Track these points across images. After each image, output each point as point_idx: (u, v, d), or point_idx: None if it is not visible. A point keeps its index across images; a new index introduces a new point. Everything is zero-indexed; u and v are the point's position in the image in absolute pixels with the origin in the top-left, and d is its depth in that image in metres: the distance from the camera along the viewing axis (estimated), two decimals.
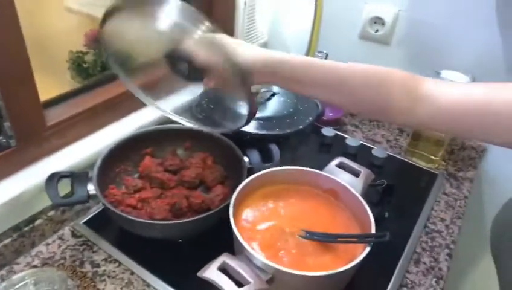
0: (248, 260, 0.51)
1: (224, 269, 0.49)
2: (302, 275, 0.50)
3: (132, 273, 0.63)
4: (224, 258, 0.50)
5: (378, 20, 0.98)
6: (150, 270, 0.63)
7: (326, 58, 1.03)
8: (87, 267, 0.64)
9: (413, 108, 0.49)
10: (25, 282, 0.56)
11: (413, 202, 0.84)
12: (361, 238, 0.56)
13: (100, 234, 0.69)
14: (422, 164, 0.93)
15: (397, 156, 0.96)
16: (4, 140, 0.64)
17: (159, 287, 0.61)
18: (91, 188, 0.63)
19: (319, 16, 0.99)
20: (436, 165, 0.93)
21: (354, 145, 0.94)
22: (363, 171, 0.68)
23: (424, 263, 0.71)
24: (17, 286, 0.55)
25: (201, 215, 0.58)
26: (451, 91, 0.48)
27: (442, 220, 0.81)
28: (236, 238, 0.52)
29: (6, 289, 0.55)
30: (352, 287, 0.60)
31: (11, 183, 0.63)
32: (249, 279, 0.48)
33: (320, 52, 0.98)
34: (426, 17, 0.93)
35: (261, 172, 0.64)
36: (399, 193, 0.84)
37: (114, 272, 0.64)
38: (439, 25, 0.93)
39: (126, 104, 0.78)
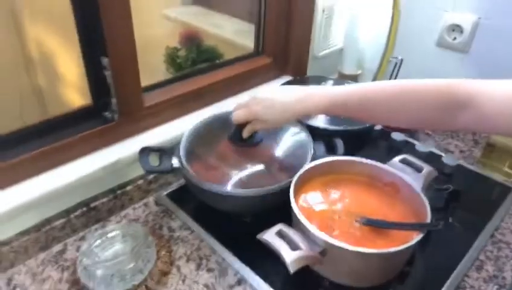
0: (303, 232, 0.56)
1: (281, 235, 0.55)
2: (352, 251, 0.53)
3: (202, 240, 0.72)
4: (281, 227, 0.56)
5: (456, 28, 0.98)
6: (217, 239, 0.71)
7: (400, 64, 1.04)
8: (165, 231, 0.74)
9: (456, 117, 0.52)
10: (115, 233, 0.67)
11: (481, 211, 0.82)
12: (415, 227, 0.58)
13: (178, 205, 0.78)
14: (495, 175, 0.90)
15: (469, 166, 0.93)
16: (110, 115, 0.76)
17: (224, 253, 0.68)
18: (175, 161, 0.72)
19: (396, 22, 1.02)
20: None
21: (424, 151, 0.94)
22: (426, 167, 0.69)
23: (487, 271, 0.70)
24: (109, 235, 0.66)
25: (266, 188, 0.65)
26: (493, 94, 0.50)
27: None
28: (293, 211, 0.58)
29: (100, 236, 0.66)
30: (407, 279, 0.62)
31: (111, 152, 0.76)
32: (302, 246, 0.53)
33: (394, 57, 1.01)
34: (507, 25, 0.91)
35: (322, 159, 0.69)
36: (467, 201, 0.82)
37: (187, 237, 0.72)
38: None
39: (211, 95, 0.88)
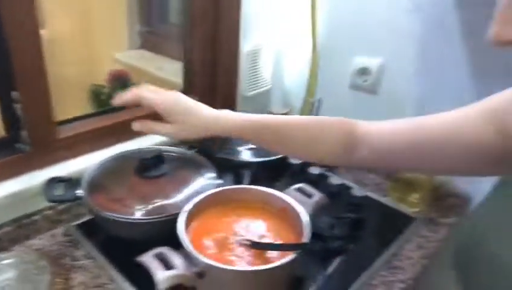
0: (185, 254, 0.59)
1: (159, 257, 0.57)
2: (227, 269, 0.56)
3: (102, 269, 0.72)
4: (162, 249, 0.58)
5: (366, 71, 1.07)
6: (116, 267, 0.72)
7: (319, 104, 1.12)
8: (67, 260, 0.74)
9: (351, 153, 0.57)
10: (9, 261, 0.67)
11: (383, 239, 0.86)
12: (290, 248, 0.61)
13: (85, 235, 0.79)
14: (401, 206, 0.96)
15: (378, 198, 0.99)
16: (22, 146, 0.79)
17: (122, 282, 0.69)
18: (79, 191, 0.74)
19: (315, 64, 1.10)
20: (417, 209, 0.95)
21: (336, 183, 0.99)
22: (317, 194, 0.74)
23: None
24: (3, 262, 0.67)
25: (159, 216, 0.67)
26: (382, 130, 0.55)
27: (409, 258, 0.82)
28: (177, 233, 0.60)
29: None
30: None
31: (20, 181, 0.77)
32: (179, 266, 0.56)
33: (313, 99, 1.08)
34: (408, 67, 1.01)
35: (220, 188, 0.72)
36: (371, 229, 0.87)
37: (88, 266, 0.73)
38: (416, 78, 1.00)
39: (128, 131, 0.92)
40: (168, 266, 0.56)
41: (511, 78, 0.83)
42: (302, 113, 1.20)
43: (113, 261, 0.73)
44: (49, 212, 0.81)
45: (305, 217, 0.66)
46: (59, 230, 0.81)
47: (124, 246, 0.74)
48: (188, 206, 0.67)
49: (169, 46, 1.51)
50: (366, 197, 0.96)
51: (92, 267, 0.73)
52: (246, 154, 0.95)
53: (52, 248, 0.77)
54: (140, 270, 0.66)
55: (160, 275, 0.53)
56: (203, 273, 0.57)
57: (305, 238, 0.62)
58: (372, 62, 1.06)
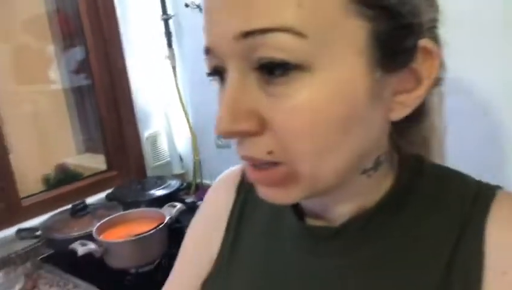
0: (96, 242, 1.10)
1: (82, 244, 1.08)
2: (116, 242, 1.08)
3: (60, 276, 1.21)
4: (84, 241, 1.10)
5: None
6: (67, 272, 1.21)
7: (199, 164, 1.71)
8: (35, 276, 1.22)
9: None
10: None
11: None
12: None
13: (46, 262, 1.28)
14: None
15: None
16: None
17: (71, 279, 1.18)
18: (38, 232, 1.25)
19: (194, 140, 1.71)
20: None
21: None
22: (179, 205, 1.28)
23: None
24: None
25: (85, 233, 1.19)
26: None
27: None
28: (93, 232, 1.12)
29: None
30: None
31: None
32: (92, 246, 1.07)
33: (197, 159, 1.67)
34: None
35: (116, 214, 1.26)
36: None
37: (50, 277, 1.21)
38: None
39: (75, 198, 1.45)
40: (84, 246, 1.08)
41: None
42: (194, 173, 1.78)
43: (64, 269, 1.22)
44: (21, 252, 1.29)
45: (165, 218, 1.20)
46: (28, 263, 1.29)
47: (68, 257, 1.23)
48: (98, 223, 1.19)
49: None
50: None
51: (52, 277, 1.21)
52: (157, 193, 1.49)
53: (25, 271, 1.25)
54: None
55: (80, 248, 1.05)
56: (106, 250, 1.09)
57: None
58: None
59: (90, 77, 1.75)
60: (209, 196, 0.56)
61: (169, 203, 1.31)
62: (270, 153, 0.32)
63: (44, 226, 1.28)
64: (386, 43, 0.30)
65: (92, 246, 1.07)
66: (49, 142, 1.99)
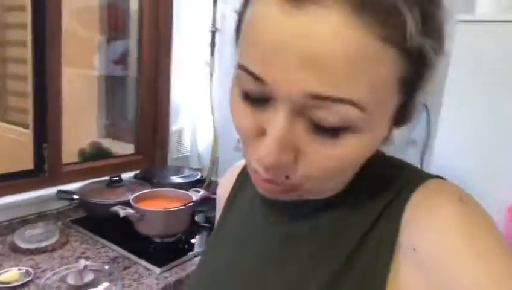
0: (134, 209, 1.27)
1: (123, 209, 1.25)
2: (154, 211, 1.25)
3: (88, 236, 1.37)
4: (122, 207, 1.27)
5: None
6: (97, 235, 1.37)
7: (217, 161, 1.89)
8: (67, 232, 1.38)
9: None
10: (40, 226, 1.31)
11: None
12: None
13: (76, 223, 1.44)
14: None
15: None
16: (42, 174, 1.46)
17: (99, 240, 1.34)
18: (75, 196, 1.42)
19: (215, 138, 1.89)
20: None
21: None
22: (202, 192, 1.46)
23: None
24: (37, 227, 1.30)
25: (119, 200, 1.36)
26: None
27: None
28: (130, 199, 1.29)
29: (31, 227, 1.30)
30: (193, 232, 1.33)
31: (41, 192, 1.43)
32: (130, 211, 1.24)
33: (215, 157, 1.85)
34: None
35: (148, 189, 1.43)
36: None
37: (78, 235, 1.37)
38: None
39: (100, 171, 1.62)
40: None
41: None
42: (209, 168, 1.96)
43: (94, 231, 1.38)
44: (55, 211, 1.45)
45: (194, 200, 1.38)
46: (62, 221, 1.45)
47: (101, 222, 1.40)
48: (135, 194, 1.36)
49: (124, 134, 2.27)
50: None
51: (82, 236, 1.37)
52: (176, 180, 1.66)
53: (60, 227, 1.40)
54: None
55: (121, 211, 1.22)
56: (142, 216, 1.26)
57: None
58: None
59: (127, 68, 1.96)
60: (218, 189, 0.62)
61: (194, 189, 1.49)
62: (287, 178, 0.36)
63: (81, 191, 1.44)
64: (404, 111, 0.37)
65: (130, 210, 1.24)
66: (77, 121, 2.16)
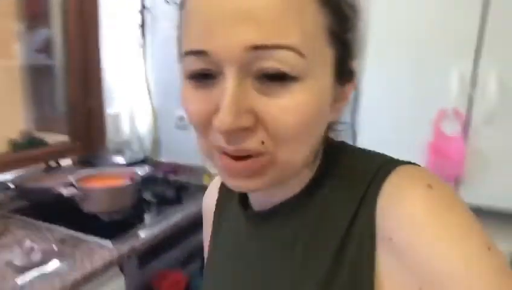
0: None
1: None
2: (97, 189, 1.24)
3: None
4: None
5: (182, 117, 1.89)
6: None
7: (159, 141, 1.89)
8: None
9: None
10: None
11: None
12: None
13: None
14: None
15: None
16: None
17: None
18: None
19: (154, 118, 1.88)
20: None
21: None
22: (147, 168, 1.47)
23: None
24: None
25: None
26: None
27: None
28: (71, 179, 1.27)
29: None
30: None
31: None
32: (73, 190, 1.22)
33: (155, 138, 1.84)
34: None
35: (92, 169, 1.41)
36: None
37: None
38: None
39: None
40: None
41: None
42: (151, 147, 1.95)
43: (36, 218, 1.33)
44: None
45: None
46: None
47: (42, 208, 1.35)
48: (78, 174, 1.34)
49: (57, 125, 2.18)
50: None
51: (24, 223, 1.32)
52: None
53: None
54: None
55: (64, 190, 1.19)
56: (85, 195, 1.24)
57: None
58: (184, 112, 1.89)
59: (52, 57, 1.88)
60: (203, 203, 0.62)
61: (139, 166, 1.49)
62: (263, 143, 0.36)
63: (17, 180, 1.38)
64: (342, 66, 0.40)
65: (74, 190, 1.22)
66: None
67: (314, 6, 0.35)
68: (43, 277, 0.98)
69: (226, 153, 0.38)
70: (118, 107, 1.92)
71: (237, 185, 0.40)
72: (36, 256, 1.04)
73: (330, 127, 0.45)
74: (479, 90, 1.15)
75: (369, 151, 0.46)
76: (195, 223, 1.48)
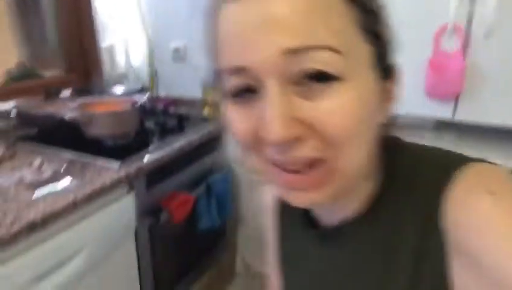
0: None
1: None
2: (100, 114, 1.25)
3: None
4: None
5: (178, 50, 1.87)
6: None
7: (156, 73, 1.87)
8: None
9: None
10: None
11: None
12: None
13: None
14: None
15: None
16: None
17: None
18: None
19: (151, 51, 1.85)
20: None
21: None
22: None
23: None
24: None
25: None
26: None
27: None
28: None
29: None
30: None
31: None
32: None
33: (151, 71, 1.83)
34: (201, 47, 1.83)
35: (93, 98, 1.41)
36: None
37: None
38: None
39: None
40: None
41: None
42: (150, 80, 1.94)
43: (44, 143, 1.35)
44: None
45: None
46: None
47: (47, 134, 1.36)
48: (80, 101, 1.34)
49: (51, 60, 2.14)
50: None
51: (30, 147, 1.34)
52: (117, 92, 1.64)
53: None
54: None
55: (68, 113, 1.20)
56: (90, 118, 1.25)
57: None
58: (180, 43, 1.86)
59: None
60: (264, 203, 0.63)
61: (139, 93, 1.49)
62: (318, 149, 0.36)
63: (18, 108, 1.38)
64: (380, 62, 0.39)
65: (78, 114, 1.23)
66: None
67: (340, 5, 0.35)
68: (55, 193, 1.02)
69: (284, 168, 0.37)
70: (112, 40, 1.89)
71: (299, 199, 0.39)
72: (46, 173, 1.07)
73: (382, 130, 0.42)
74: (479, 5, 1.14)
75: (427, 148, 0.45)
76: (197, 150, 1.52)
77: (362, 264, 0.45)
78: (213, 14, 0.39)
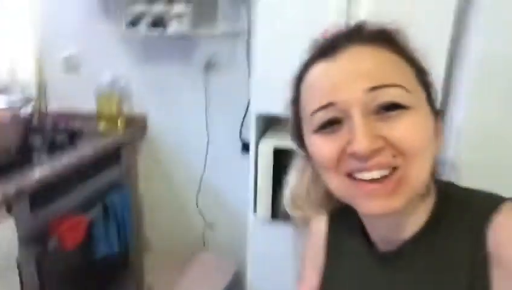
0: None
1: None
2: None
3: None
4: None
5: (70, 59, 1.71)
6: None
7: (45, 88, 1.68)
8: None
9: None
10: None
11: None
12: None
13: None
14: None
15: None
16: None
17: None
18: None
19: (39, 67, 1.66)
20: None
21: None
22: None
23: None
24: None
25: None
26: None
27: None
28: None
29: None
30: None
31: None
32: None
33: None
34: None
35: None
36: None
37: None
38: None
39: None
40: None
41: None
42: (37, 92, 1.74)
43: None
44: None
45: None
46: None
47: None
48: None
49: None
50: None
51: None
52: None
53: None
54: None
55: None
56: None
57: None
58: (72, 51, 1.71)
59: None
60: (312, 227, 0.68)
61: (24, 106, 1.32)
62: (394, 156, 0.45)
63: None
64: (430, 104, 0.50)
65: None
66: None
67: (404, 63, 0.49)
68: None
69: (361, 179, 0.46)
70: None
71: (377, 207, 0.47)
72: None
73: (435, 163, 0.52)
74: None
75: (476, 190, 0.54)
76: (92, 167, 1.39)
77: (419, 282, 0.52)
78: (302, 70, 0.51)
